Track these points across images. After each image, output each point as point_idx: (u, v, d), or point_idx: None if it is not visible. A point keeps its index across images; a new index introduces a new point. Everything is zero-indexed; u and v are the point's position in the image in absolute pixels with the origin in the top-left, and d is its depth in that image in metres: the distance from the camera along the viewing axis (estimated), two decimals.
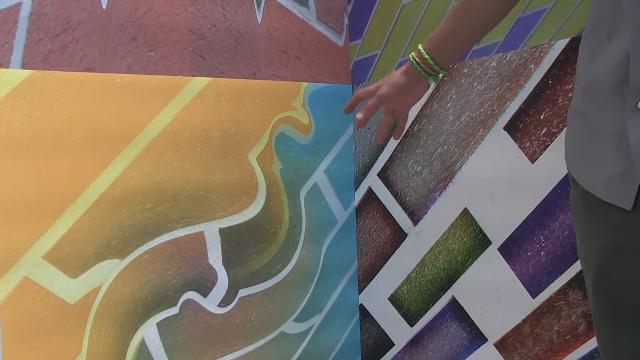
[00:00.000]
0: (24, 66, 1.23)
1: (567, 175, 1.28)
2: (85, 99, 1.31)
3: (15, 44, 1.22)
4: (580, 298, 1.30)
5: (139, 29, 1.39)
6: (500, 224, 1.44)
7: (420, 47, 1.08)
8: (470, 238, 1.52)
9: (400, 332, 1.74)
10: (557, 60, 1.30)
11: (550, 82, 1.31)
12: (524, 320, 1.41)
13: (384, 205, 1.76)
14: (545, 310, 1.37)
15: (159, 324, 1.45)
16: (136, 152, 1.40)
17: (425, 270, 1.65)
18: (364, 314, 1.86)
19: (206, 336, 1.53)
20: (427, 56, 1.06)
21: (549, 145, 1.32)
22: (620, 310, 0.76)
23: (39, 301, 1.26)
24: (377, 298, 1.81)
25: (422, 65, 1.08)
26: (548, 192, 1.33)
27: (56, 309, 1.28)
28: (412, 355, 1.71)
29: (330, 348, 1.82)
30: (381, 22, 1.71)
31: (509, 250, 1.43)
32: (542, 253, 1.36)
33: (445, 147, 1.56)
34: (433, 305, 1.64)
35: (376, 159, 1.77)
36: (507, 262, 1.44)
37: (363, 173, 1.82)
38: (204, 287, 1.53)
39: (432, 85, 1.27)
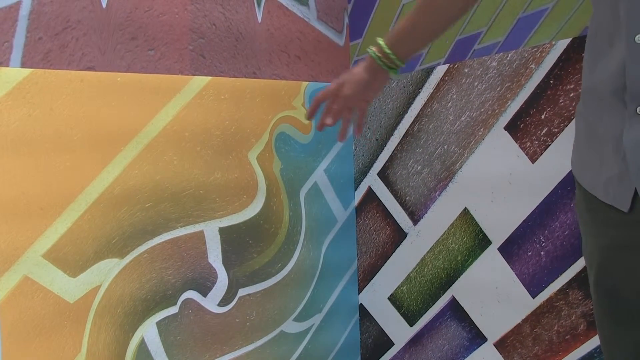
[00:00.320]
0: (23, 65, 1.23)
1: (567, 175, 1.29)
2: (85, 98, 1.31)
3: (14, 43, 1.21)
4: (580, 298, 1.30)
5: (138, 27, 1.39)
6: (500, 224, 1.44)
7: (380, 41, 1.10)
8: (470, 238, 1.52)
9: (399, 331, 1.74)
10: (559, 60, 1.30)
11: (551, 82, 1.31)
12: (524, 320, 1.41)
13: (383, 205, 1.76)
14: (545, 310, 1.37)
15: (158, 323, 1.45)
16: (136, 151, 1.39)
17: (425, 270, 1.65)
18: (364, 313, 1.86)
19: (206, 335, 1.53)
20: (388, 50, 1.09)
21: (549, 145, 1.32)
22: (621, 308, 0.77)
23: (39, 300, 1.26)
24: (376, 298, 1.81)
25: (383, 59, 1.10)
26: (548, 192, 1.33)
27: (56, 308, 1.28)
28: (411, 355, 1.71)
29: (330, 348, 1.82)
30: (381, 22, 1.71)
31: (509, 250, 1.43)
32: (542, 253, 1.36)
33: (445, 147, 1.56)
34: (433, 305, 1.64)
35: (376, 158, 1.77)
36: (507, 262, 1.44)
37: (363, 173, 1.82)
38: (204, 286, 1.53)
39: (392, 79, 1.28)
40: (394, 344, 1.77)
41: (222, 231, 1.55)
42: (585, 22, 1.25)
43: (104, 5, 1.33)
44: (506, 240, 1.43)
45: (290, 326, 1.71)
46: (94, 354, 1.34)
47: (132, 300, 1.40)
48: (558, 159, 1.31)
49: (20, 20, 1.22)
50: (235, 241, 1.58)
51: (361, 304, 1.87)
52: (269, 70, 1.64)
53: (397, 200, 1.71)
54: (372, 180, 1.79)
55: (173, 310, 1.47)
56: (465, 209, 1.52)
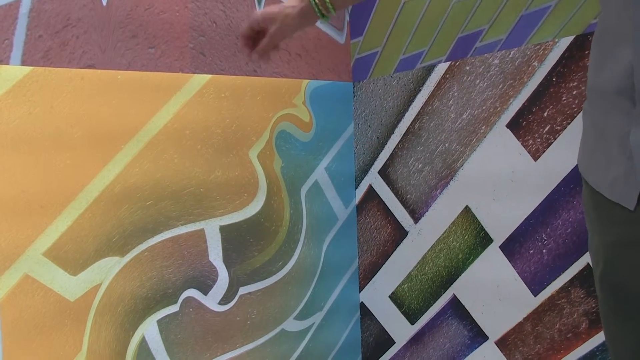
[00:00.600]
0: (24, 63, 1.22)
1: (570, 173, 1.29)
2: (86, 96, 1.31)
3: (15, 41, 1.21)
4: (582, 296, 1.30)
5: (139, 25, 1.39)
6: (502, 222, 1.44)
7: None
8: (471, 236, 1.52)
9: (400, 330, 1.74)
10: (562, 57, 1.29)
11: (554, 79, 1.31)
12: (526, 319, 1.41)
13: (384, 203, 1.76)
14: (546, 308, 1.37)
15: (159, 322, 1.44)
16: (136, 150, 1.39)
17: (426, 268, 1.65)
18: (365, 312, 1.86)
19: (207, 334, 1.53)
20: None
21: (552, 143, 1.32)
22: (627, 305, 0.77)
23: (39, 298, 1.26)
24: (377, 296, 1.81)
25: (320, 6, 1.11)
26: (551, 190, 1.33)
27: (56, 306, 1.28)
28: (412, 354, 1.71)
29: (331, 346, 1.81)
30: (382, 20, 1.70)
31: (510, 248, 1.43)
32: (544, 251, 1.36)
33: (446, 145, 1.55)
34: (434, 303, 1.63)
35: (377, 156, 1.76)
36: (509, 260, 1.43)
37: (364, 171, 1.82)
38: (205, 284, 1.52)
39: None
40: (394, 343, 1.77)
41: (223, 229, 1.55)
42: (588, 20, 1.25)
43: (104, 3, 1.33)
44: (508, 238, 1.43)
45: (291, 325, 1.71)
46: (95, 352, 1.34)
47: (132, 298, 1.40)
48: (561, 156, 1.30)
49: (21, 18, 1.21)
50: (236, 239, 1.58)
51: (362, 302, 1.87)
52: (270, 68, 1.64)
53: (398, 199, 1.71)
54: (373, 179, 1.79)
55: (174, 308, 1.47)
56: (467, 207, 1.52)
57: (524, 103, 1.37)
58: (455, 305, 1.58)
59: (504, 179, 1.42)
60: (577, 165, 1.26)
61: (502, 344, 1.47)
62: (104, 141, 1.34)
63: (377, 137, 1.76)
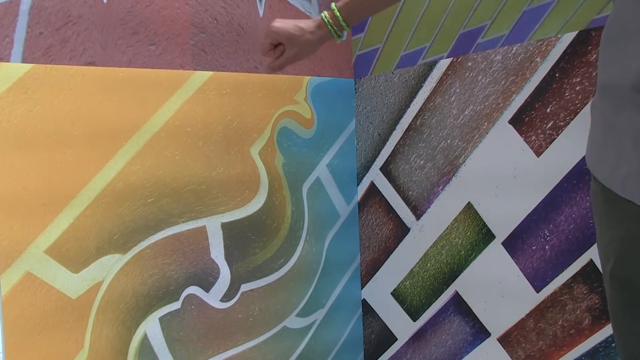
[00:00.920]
0: (24, 60, 1.22)
1: (573, 169, 1.28)
2: (87, 93, 1.30)
3: (15, 38, 1.20)
4: (585, 292, 1.30)
5: (140, 22, 1.38)
6: (504, 218, 1.44)
7: (333, 6, 1.14)
8: (473, 232, 1.51)
9: (403, 327, 1.74)
10: (564, 53, 1.29)
11: (557, 75, 1.30)
12: (528, 315, 1.41)
13: (386, 200, 1.75)
14: (549, 304, 1.37)
15: (161, 319, 1.44)
16: (138, 147, 1.39)
17: (428, 264, 1.64)
18: (367, 308, 1.86)
19: (208, 331, 1.53)
20: (337, 14, 1.13)
21: (555, 138, 1.32)
22: (636, 300, 0.77)
23: (41, 296, 1.25)
24: (379, 293, 1.81)
25: (334, 27, 1.14)
26: (554, 186, 1.32)
27: (58, 304, 1.28)
28: (415, 350, 1.71)
29: (333, 343, 1.81)
30: (383, 16, 1.70)
31: (513, 244, 1.42)
32: (546, 247, 1.35)
33: (448, 141, 1.55)
34: (436, 300, 1.63)
35: (379, 153, 1.76)
36: (511, 257, 1.43)
37: (365, 167, 1.81)
38: (206, 282, 1.52)
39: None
40: (397, 339, 1.77)
41: (225, 226, 1.55)
42: (591, 16, 1.24)
43: (104, 0, 1.32)
44: (510, 234, 1.43)
45: (293, 321, 1.71)
46: (97, 349, 1.34)
47: (134, 296, 1.39)
48: (564, 152, 1.30)
49: (21, 15, 1.21)
50: (238, 236, 1.57)
51: (364, 299, 1.87)
52: None
53: (400, 195, 1.71)
54: (375, 175, 1.78)
55: (175, 305, 1.47)
56: (469, 203, 1.51)
57: (527, 99, 1.36)
58: (458, 302, 1.58)
59: (506, 175, 1.42)
60: (580, 161, 1.26)
61: (504, 340, 1.47)
62: (105, 138, 1.34)
63: (379, 133, 1.75)
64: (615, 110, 0.76)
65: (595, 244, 0.92)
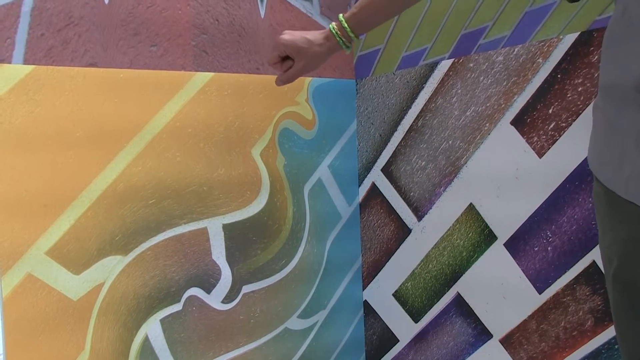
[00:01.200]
0: (26, 61, 1.22)
1: (575, 170, 1.28)
2: (88, 94, 1.30)
3: (17, 39, 1.20)
4: (587, 294, 1.29)
5: (141, 23, 1.38)
6: (506, 219, 1.43)
7: (341, 17, 1.14)
8: (475, 233, 1.51)
9: (404, 328, 1.74)
10: (566, 54, 1.29)
11: (559, 76, 1.30)
12: (530, 317, 1.41)
13: (387, 201, 1.75)
14: (551, 306, 1.36)
15: (162, 321, 1.44)
16: (139, 148, 1.39)
17: (430, 266, 1.64)
18: (368, 310, 1.86)
19: (210, 333, 1.53)
20: (345, 25, 1.13)
21: (557, 139, 1.31)
22: (639, 301, 0.77)
23: (42, 298, 1.25)
24: (381, 294, 1.81)
25: (343, 38, 1.14)
26: (556, 187, 1.32)
27: (59, 305, 1.28)
28: (416, 352, 1.71)
29: (335, 344, 1.81)
30: None
31: (515, 245, 1.42)
32: (549, 248, 1.35)
33: (450, 142, 1.55)
34: (438, 301, 1.63)
35: (380, 154, 1.76)
36: (513, 258, 1.43)
37: (367, 168, 1.81)
38: (208, 283, 1.52)
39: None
40: (398, 341, 1.76)
41: (226, 228, 1.55)
42: (593, 16, 1.24)
43: (106, 1, 1.32)
44: (512, 235, 1.42)
45: (295, 323, 1.71)
46: (98, 351, 1.34)
47: (135, 297, 1.39)
48: (566, 153, 1.30)
49: (23, 16, 1.21)
50: (239, 238, 1.57)
51: (366, 300, 1.86)
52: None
53: (401, 196, 1.70)
54: (376, 176, 1.78)
55: (177, 307, 1.47)
56: (471, 204, 1.51)
57: (529, 100, 1.36)
58: (459, 303, 1.57)
59: (508, 176, 1.42)
60: (582, 162, 1.26)
61: (506, 342, 1.47)
62: (106, 140, 1.33)
63: (380, 134, 1.75)
64: (617, 110, 0.76)
65: (598, 246, 0.92)
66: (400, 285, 1.73)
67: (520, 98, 1.38)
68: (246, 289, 1.60)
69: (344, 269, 1.82)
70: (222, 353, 1.56)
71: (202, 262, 1.51)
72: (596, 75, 1.24)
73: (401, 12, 1.16)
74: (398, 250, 1.73)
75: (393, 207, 1.73)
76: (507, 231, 1.43)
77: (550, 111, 1.32)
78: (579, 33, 1.26)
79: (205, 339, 1.52)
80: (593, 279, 1.28)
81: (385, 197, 1.76)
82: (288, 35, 1.17)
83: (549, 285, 1.36)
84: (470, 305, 1.55)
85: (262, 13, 1.60)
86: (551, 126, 1.32)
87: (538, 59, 1.34)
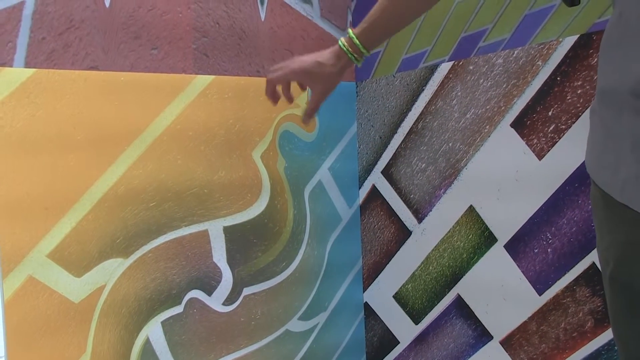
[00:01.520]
0: (27, 65, 1.22)
1: (575, 172, 1.28)
2: (89, 97, 1.31)
3: (18, 43, 1.21)
4: (587, 295, 1.30)
5: (142, 27, 1.38)
6: (506, 221, 1.44)
7: (351, 33, 1.11)
8: (475, 235, 1.51)
9: (405, 330, 1.74)
10: (566, 57, 1.29)
11: (558, 79, 1.31)
12: (530, 318, 1.41)
13: (388, 203, 1.75)
14: (551, 307, 1.37)
15: (163, 323, 1.44)
16: (140, 151, 1.39)
17: (430, 268, 1.64)
18: (369, 312, 1.86)
19: (211, 335, 1.53)
20: (357, 42, 1.10)
21: (557, 142, 1.32)
22: (636, 303, 0.77)
23: (44, 300, 1.25)
24: (381, 296, 1.81)
25: (354, 54, 1.11)
26: (556, 189, 1.32)
27: (60, 308, 1.28)
28: (417, 353, 1.71)
29: (335, 346, 1.81)
30: None
31: (515, 247, 1.42)
32: (549, 250, 1.35)
33: (450, 144, 1.55)
34: (438, 303, 1.63)
35: (380, 156, 1.76)
36: (513, 260, 1.43)
37: (367, 171, 1.81)
38: (209, 285, 1.52)
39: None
40: (399, 342, 1.77)
41: (227, 230, 1.55)
42: (592, 19, 1.24)
43: (107, 4, 1.33)
44: (512, 237, 1.43)
45: (295, 325, 1.71)
46: (99, 353, 1.34)
47: (136, 299, 1.39)
48: (566, 155, 1.30)
49: (24, 20, 1.21)
50: (240, 240, 1.57)
51: (366, 302, 1.87)
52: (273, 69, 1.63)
53: (402, 198, 1.71)
54: (377, 178, 1.78)
55: (178, 309, 1.47)
56: (471, 206, 1.51)
57: (528, 102, 1.36)
58: (460, 305, 1.57)
59: (508, 178, 1.42)
60: (582, 164, 1.26)
61: (506, 343, 1.47)
62: (107, 142, 1.34)
63: (380, 136, 1.75)
64: (614, 115, 0.76)
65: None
66: (401, 287, 1.74)
67: (520, 100, 1.38)
68: (247, 291, 1.60)
69: (344, 271, 1.83)
70: (223, 355, 1.56)
71: (203, 264, 1.51)
72: (595, 77, 1.24)
73: (411, 22, 1.13)
74: (398, 252, 1.74)
75: (393, 209, 1.74)
76: (507, 233, 1.44)
77: (549, 113, 1.33)
78: (578, 36, 1.27)
79: (206, 341, 1.52)
80: (593, 281, 1.28)
81: (385, 199, 1.76)
82: (298, 63, 1.13)
83: (549, 287, 1.36)
84: (471, 307, 1.55)
85: (263, 16, 1.61)
86: (551, 128, 1.33)
87: (538, 61, 1.34)
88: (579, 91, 1.27)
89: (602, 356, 1.28)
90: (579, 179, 1.28)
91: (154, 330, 1.43)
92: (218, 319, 1.55)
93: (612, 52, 0.78)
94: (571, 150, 1.29)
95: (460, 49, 1.51)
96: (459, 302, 1.58)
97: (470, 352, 1.56)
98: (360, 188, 1.85)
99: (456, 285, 1.58)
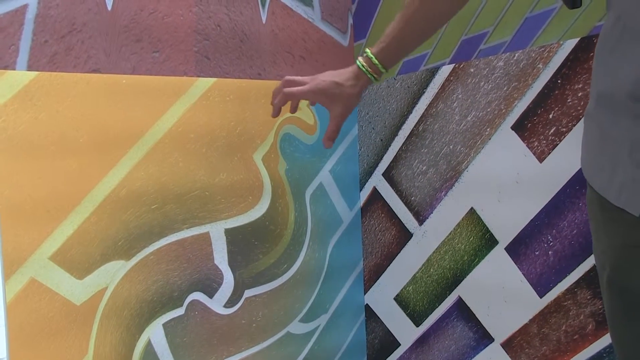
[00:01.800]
0: (29, 68, 1.23)
1: (575, 174, 1.28)
2: (91, 100, 1.31)
3: (21, 46, 1.21)
4: (588, 297, 1.30)
5: (143, 30, 1.39)
6: (507, 224, 1.44)
7: (368, 52, 1.09)
8: (476, 238, 1.52)
9: (406, 332, 1.74)
10: (567, 60, 1.29)
11: (559, 81, 1.31)
12: (531, 320, 1.41)
13: (389, 205, 1.76)
14: (552, 310, 1.37)
15: (165, 325, 1.45)
16: (142, 153, 1.39)
17: (431, 270, 1.65)
18: (370, 314, 1.86)
19: (212, 337, 1.53)
20: (376, 61, 1.09)
21: (557, 144, 1.32)
22: (634, 307, 0.77)
23: (46, 302, 1.26)
24: (382, 298, 1.81)
25: (372, 74, 1.10)
26: (557, 192, 1.33)
27: (62, 310, 1.28)
28: (418, 356, 1.71)
29: (336, 348, 1.81)
30: (385, 22, 1.70)
31: (516, 249, 1.43)
32: (549, 252, 1.36)
33: (451, 147, 1.55)
34: (439, 305, 1.63)
35: (381, 158, 1.76)
36: (514, 262, 1.43)
37: (368, 173, 1.82)
38: (210, 287, 1.52)
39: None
40: (400, 345, 1.77)
41: (228, 232, 1.55)
42: (593, 22, 1.25)
43: (109, 7, 1.33)
44: (513, 240, 1.43)
45: (296, 327, 1.71)
46: (101, 355, 1.34)
47: (138, 302, 1.40)
48: (566, 158, 1.30)
49: (27, 23, 1.21)
50: (241, 242, 1.58)
51: (367, 304, 1.87)
52: (274, 71, 1.64)
53: (403, 201, 1.71)
54: (378, 181, 1.79)
55: (179, 311, 1.47)
56: (472, 208, 1.52)
57: (529, 105, 1.37)
58: (461, 307, 1.58)
59: (509, 180, 1.42)
60: None
61: (508, 345, 1.47)
62: (109, 145, 1.34)
63: (381, 139, 1.76)
64: (610, 119, 0.76)
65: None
66: (402, 289, 1.74)
67: (520, 103, 1.38)
68: (248, 293, 1.60)
69: (345, 273, 1.83)
70: (224, 357, 1.56)
71: (205, 266, 1.51)
72: None
73: (429, 39, 1.11)
74: (399, 254, 1.74)
75: (394, 212, 1.74)
76: (508, 235, 1.44)
77: (550, 116, 1.33)
78: (579, 39, 1.27)
79: (208, 343, 1.53)
80: (594, 283, 1.29)
81: (386, 202, 1.76)
82: (315, 83, 1.12)
83: (550, 289, 1.37)
84: (472, 309, 1.55)
85: (264, 19, 1.61)
86: (551, 131, 1.33)
87: (538, 64, 1.34)
88: (579, 94, 1.27)
89: (603, 359, 1.28)
90: (580, 182, 1.28)
91: (155, 333, 1.43)
92: (219, 321, 1.55)
93: (608, 56, 0.78)
94: (572, 152, 1.29)
95: (461, 51, 1.51)
96: (460, 304, 1.58)
97: (471, 355, 1.56)
98: (361, 190, 1.85)
99: (457, 288, 1.58)
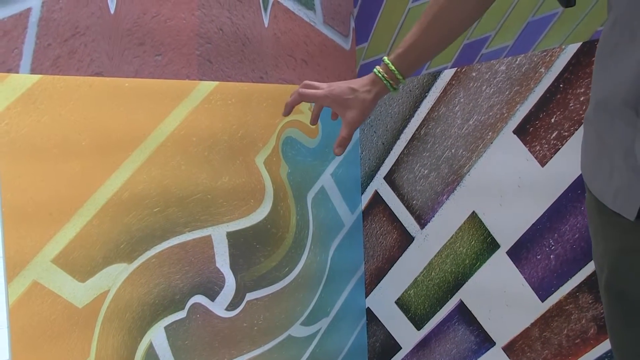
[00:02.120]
0: (33, 71, 1.23)
1: (577, 178, 1.29)
2: (94, 103, 1.31)
3: (24, 49, 1.22)
4: (590, 301, 1.30)
5: (146, 33, 1.39)
6: (509, 228, 1.44)
7: (386, 60, 1.08)
8: (478, 241, 1.52)
9: (407, 335, 1.74)
10: (569, 64, 1.29)
11: (561, 86, 1.31)
12: (533, 324, 1.41)
13: (390, 209, 1.76)
14: (554, 313, 1.37)
15: (166, 328, 1.45)
16: (144, 156, 1.40)
17: (433, 273, 1.65)
18: (371, 317, 1.86)
19: (214, 340, 1.53)
20: (393, 67, 1.07)
21: (559, 148, 1.32)
22: (631, 310, 0.77)
23: (48, 305, 1.26)
24: (384, 301, 1.81)
25: (390, 81, 1.08)
26: (558, 196, 1.33)
27: (65, 313, 1.28)
28: (419, 359, 1.71)
29: (338, 352, 1.81)
30: (387, 26, 1.71)
31: (517, 253, 1.43)
32: (551, 256, 1.36)
33: (453, 151, 1.56)
34: (440, 308, 1.63)
35: (382, 162, 1.77)
36: (516, 266, 1.43)
37: (370, 176, 1.82)
38: (212, 290, 1.53)
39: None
40: (401, 348, 1.77)
41: (230, 235, 1.55)
42: (595, 27, 1.25)
43: (112, 11, 1.33)
44: (515, 243, 1.43)
45: (298, 330, 1.71)
46: (103, 358, 1.34)
47: (140, 305, 1.40)
48: (568, 162, 1.30)
49: (30, 27, 1.22)
50: (243, 245, 1.58)
51: (368, 307, 1.87)
52: (276, 75, 1.64)
53: (404, 204, 1.71)
54: (379, 184, 1.79)
55: (181, 314, 1.47)
56: (474, 212, 1.52)
57: (531, 109, 1.37)
58: (462, 311, 1.58)
59: (510, 184, 1.42)
60: None
61: (509, 349, 1.47)
62: (111, 148, 1.34)
63: (383, 142, 1.76)
64: (607, 124, 0.77)
65: None
66: (403, 293, 1.74)
67: (522, 107, 1.39)
68: (250, 296, 1.60)
69: (346, 276, 1.83)
70: None
71: (206, 269, 1.51)
72: None
73: (448, 46, 1.10)
74: (401, 257, 1.74)
75: (396, 215, 1.74)
76: (510, 239, 1.44)
77: (552, 120, 1.33)
78: (581, 43, 1.27)
79: (209, 346, 1.53)
80: (596, 287, 1.29)
81: (388, 205, 1.77)
82: (330, 89, 1.11)
83: (552, 293, 1.37)
84: (473, 313, 1.55)
85: (266, 22, 1.62)
86: (553, 135, 1.33)
87: (540, 68, 1.35)
88: (581, 98, 1.28)
89: None
90: (582, 186, 1.28)
91: (157, 335, 1.43)
92: (221, 324, 1.55)
93: (605, 60, 0.78)
94: (574, 157, 1.29)
95: (463, 55, 1.51)
96: (462, 308, 1.58)
97: (472, 358, 1.56)
98: (362, 194, 1.85)
99: (459, 291, 1.58)
